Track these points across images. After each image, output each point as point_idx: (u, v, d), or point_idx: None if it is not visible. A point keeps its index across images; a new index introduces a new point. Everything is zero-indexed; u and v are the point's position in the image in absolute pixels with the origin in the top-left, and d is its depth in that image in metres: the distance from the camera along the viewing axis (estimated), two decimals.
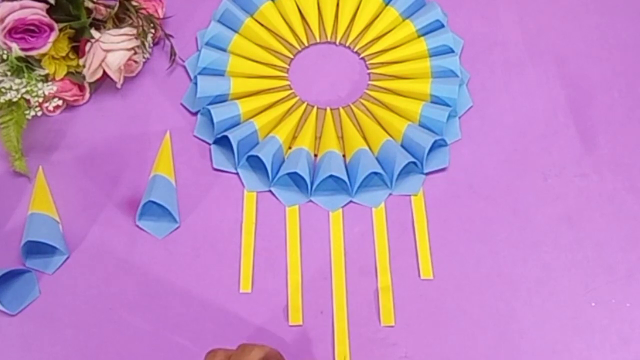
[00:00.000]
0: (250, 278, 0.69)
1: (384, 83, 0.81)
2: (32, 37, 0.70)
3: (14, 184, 0.74)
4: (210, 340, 0.65)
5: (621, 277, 0.69)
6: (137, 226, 0.72)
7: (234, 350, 0.54)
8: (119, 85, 0.78)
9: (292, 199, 0.74)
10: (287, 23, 0.84)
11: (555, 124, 0.79)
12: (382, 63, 0.83)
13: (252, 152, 0.73)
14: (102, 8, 0.77)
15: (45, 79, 0.73)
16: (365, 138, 0.77)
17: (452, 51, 0.81)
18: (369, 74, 0.83)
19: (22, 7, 0.69)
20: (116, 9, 0.77)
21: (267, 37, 0.83)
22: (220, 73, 0.79)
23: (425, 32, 0.83)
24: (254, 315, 0.67)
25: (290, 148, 0.76)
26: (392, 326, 0.67)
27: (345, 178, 0.72)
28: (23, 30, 0.69)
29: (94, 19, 0.76)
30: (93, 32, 0.75)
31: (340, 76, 0.83)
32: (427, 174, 0.75)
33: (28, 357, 0.65)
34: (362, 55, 0.84)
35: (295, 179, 0.74)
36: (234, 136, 0.73)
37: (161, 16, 0.84)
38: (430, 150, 0.73)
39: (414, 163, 0.74)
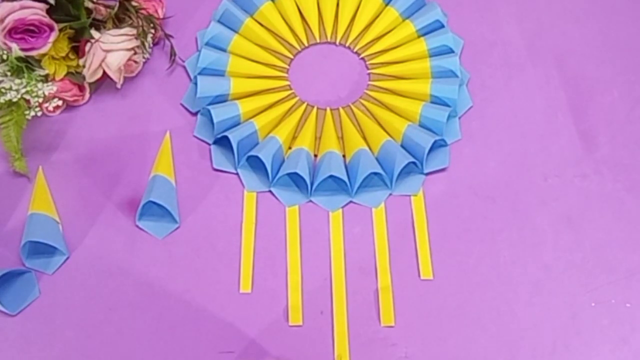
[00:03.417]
0: (250, 278, 0.69)
1: (384, 83, 0.81)
2: (32, 37, 0.70)
3: (14, 184, 0.74)
4: (210, 341, 0.65)
5: (621, 277, 0.69)
6: (137, 226, 0.72)
7: None
8: (119, 85, 0.78)
9: (292, 199, 0.74)
10: (287, 23, 0.84)
11: (555, 124, 0.79)
12: (382, 63, 0.83)
13: (252, 153, 0.73)
14: (102, 8, 0.77)
15: (45, 79, 0.73)
16: (365, 138, 0.77)
17: (452, 51, 0.81)
18: (369, 74, 0.83)
19: (22, 7, 0.69)
20: (116, 9, 0.77)
21: (267, 37, 0.83)
22: (220, 73, 0.79)
23: (425, 32, 0.83)
24: (254, 316, 0.67)
25: (290, 148, 0.76)
26: (392, 326, 0.67)
27: (345, 178, 0.72)
28: (23, 31, 0.69)
29: (94, 19, 0.76)
30: (93, 32, 0.75)
31: (340, 76, 0.83)
32: (427, 174, 0.75)
33: (28, 357, 0.65)
34: (362, 56, 0.84)
35: (295, 179, 0.74)
36: (234, 136, 0.73)
37: (161, 16, 0.84)
38: (430, 150, 0.73)
39: (414, 163, 0.74)
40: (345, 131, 0.77)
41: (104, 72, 0.76)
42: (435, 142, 0.73)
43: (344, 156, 0.76)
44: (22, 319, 0.67)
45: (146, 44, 0.80)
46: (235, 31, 0.83)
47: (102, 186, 0.74)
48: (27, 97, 0.70)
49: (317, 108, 0.80)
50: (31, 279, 0.68)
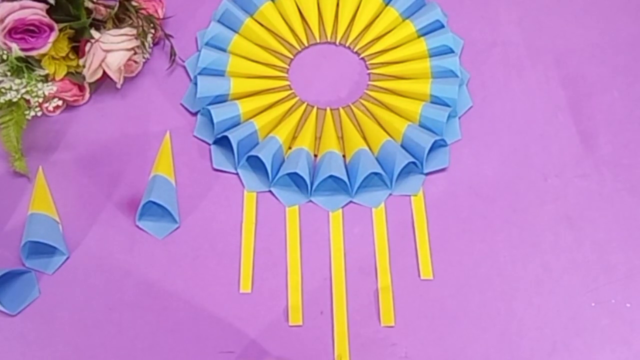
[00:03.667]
0: (250, 278, 0.69)
1: (384, 83, 0.81)
2: (32, 37, 0.70)
3: (14, 184, 0.74)
4: (210, 341, 0.65)
5: (621, 277, 0.69)
6: (137, 226, 0.72)
7: None
8: (119, 85, 0.78)
9: (292, 199, 0.74)
10: (287, 23, 0.84)
11: (555, 124, 0.79)
12: (382, 63, 0.83)
13: (252, 153, 0.73)
14: (102, 8, 0.77)
15: (45, 79, 0.73)
16: (365, 138, 0.77)
17: (452, 51, 0.81)
18: (369, 74, 0.83)
19: (22, 7, 0.69)
20: (116, 9, 0.77)
21: (267, 37, 0.83)
22: (220, 73, 0.79)
23: (425, 32, 0.83)
24: (254, 316, 0.67)
25: (290, 148, 0.76)
26: (392, 326, 0.67)
27: (345, 178, 0.72)
28: (23, 31, 0.69)
29: (94, 19, 0.76)
30: (93, 32, 0.75)
31: (340, 76, 0.83)
32: (427, 174, 0.75)
33: (28, 357, 0.65)
34: (362, 56, 0.84)
35: (295, 179, 0.74)
36: (234, 136, 0.73)
37: (161, 16, 0.84)
38: (430, 150, 0.73)
39: (414, 163, 0.74)
40: (345, 131, 0.77)
41: (104, 72, 0.76)
42: (435, 142, 0.73)
43: (344, 156, 0.76)
44: (22, 319, 0.67)
45: (146, 44, 0.80)
46: (235, 31, 0.83)
47: (102, 186, 0.74)
48: (27, 97, 0.70)
49: (317, 108, 0.80)
50: (31, 279, 0.68)
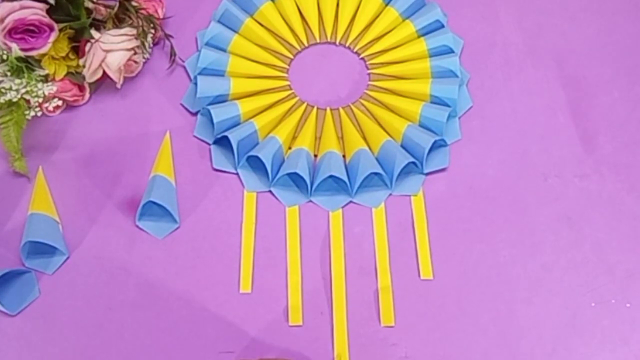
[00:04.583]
0: (250, 278, 0.69)
1: (383, 83, 0.81)
2: (32, 37, 0.70)
3: (14, 184, 0.74)
4: (210, 341, 0.65)
5: (621, 277, 0.69)
6: (137, 226, 0.72)
7: None
8: (119, 86, 0.78)
9: (292, 199, 0.74)
10: (287, 23, 0.84)
11: (555, 124, 0.79)
12: (382, 63, 0.83)
13: (252, 153, 0.73)
14: (102, 8, 0.77)
15: (45, 79, 0.73)
16: (365, 138, 0.77)
17: (452, 51, 0.81)
18: (369, 74, 0.83)
19: (22, 7, 0.69)
20: (116, 9, 0.77)
21: (267, 37, 0.83)
22: (220, 73, 0.79)
23: (425, 32, 0.83)
24: (254, 316, 0.67)
25: (290, 148, 0.76)
26: (392, 326, 0.67)
27: (345, 178, 0.72)
28: (23, 31, 0.69)
29: (94, 19, 0.76)
30: (93, 32, 0.75)
31: (340, 76, 0.83)
32: (427, 174, 0.75)
33: (28, 357, 0.65)
34: (362, 56, 0.84)
35: (295, 179, 0.74)
36: (234, 136, 0.73)
37: (161, 16, 0.84)
38: (430, 150, 0.73)
39: (414, 163, 0.74)
40: (345, 131, 0.77)
41: (104, 72, 0.76)
42: (435, 142, 0.73)
43: (344, 156, 0.76)
44: (22, 319, 0.67)
45: (146, 44, 0.80)
46: (235, 31, 0.83)
47: (102, 186, 0.74)
48: (27, 97, 0.70)
49: (317, 108, 0.80)
50: (31, 279, 0.68)
